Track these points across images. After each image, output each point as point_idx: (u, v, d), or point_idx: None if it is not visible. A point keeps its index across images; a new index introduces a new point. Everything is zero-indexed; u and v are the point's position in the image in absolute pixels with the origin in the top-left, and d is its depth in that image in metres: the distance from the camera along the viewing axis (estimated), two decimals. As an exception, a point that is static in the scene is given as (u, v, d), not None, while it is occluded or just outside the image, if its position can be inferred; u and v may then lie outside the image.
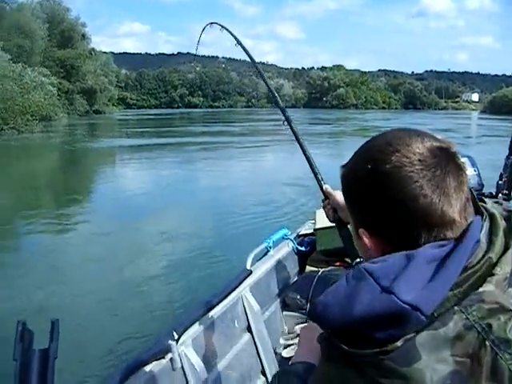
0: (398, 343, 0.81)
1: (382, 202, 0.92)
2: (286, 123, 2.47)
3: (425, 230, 0.89)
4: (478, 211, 0.97)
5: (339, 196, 2.01)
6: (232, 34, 2.77)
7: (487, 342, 0.81)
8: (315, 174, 2.29)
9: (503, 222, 0.95)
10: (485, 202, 1.02)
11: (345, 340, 0.84)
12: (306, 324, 1.44)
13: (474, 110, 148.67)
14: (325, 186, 2.18)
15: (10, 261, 8.78)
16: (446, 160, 0.91)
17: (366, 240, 0.96)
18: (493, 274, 0.87)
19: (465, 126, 58.24)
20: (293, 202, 12.43)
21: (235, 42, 2.74)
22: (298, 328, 3.50)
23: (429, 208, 0.88)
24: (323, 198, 2.17)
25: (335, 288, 0.87)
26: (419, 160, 0.90)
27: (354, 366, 0.83)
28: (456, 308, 0.83)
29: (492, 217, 0.95)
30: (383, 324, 0.81)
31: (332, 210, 2.06)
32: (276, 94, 2.55)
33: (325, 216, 4.24)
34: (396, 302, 0.79)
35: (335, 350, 0.85)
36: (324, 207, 2.14)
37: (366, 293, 0.82)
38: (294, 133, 2.45)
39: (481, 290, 0.85)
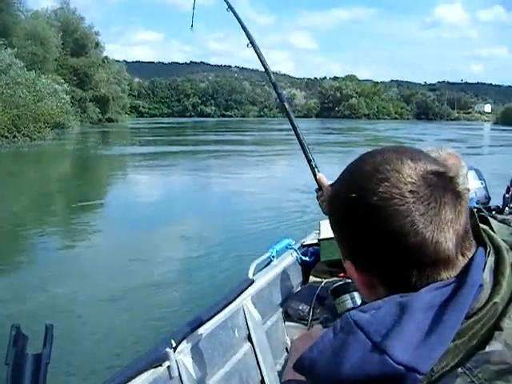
0: None
1: (369, 236, 0.82)
2: (277, 100, 2.37)
3: (416, 269, 0.80)
4: (480, 242, 0.86)
5: None
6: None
7: None
8: (309, 161, 2.17)
9: (511, 254, 0.85)
10: (489, 222, 0.93)
11: None
12: (298, 336, 1.39)
13: (486, 121, 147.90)
14: (319, 175, 2.07)
15: (21, 265, 8.88)
16: (442, 189, 0.81)
17: (354, 274, 0.88)
18: (501, 329, 0.77)
19: (476, 137, 57.95)
20: (301, 211, 12.40)
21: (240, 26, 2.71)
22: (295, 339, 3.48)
23: (420, 246, 0.78)
24: (317, 187, 2.07)
25: (322, 341, 0.78)
26: (411, 191, 0.79)
27: None
28: (460, 370, 0.74)
29: (498, 250, 0.85)
30: None
31: (325, 203, 1.96)
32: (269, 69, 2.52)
33: (329, 226, 4.23)
34: (389, 363, 0.71)
35: None
36: (317, 198, 2.04)
37: (356, 350, 0.73)
38: (287, 111, 2.36)
39: (487, 349, 0.75)
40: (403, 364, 0.70)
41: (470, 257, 0.82)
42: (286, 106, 2.39)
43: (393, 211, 0.78)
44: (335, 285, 1.96)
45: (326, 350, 0.76)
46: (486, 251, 0.83)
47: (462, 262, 0.81)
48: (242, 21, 2.67)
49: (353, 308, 1.72)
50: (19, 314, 6.36)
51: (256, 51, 2.56)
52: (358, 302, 1.88)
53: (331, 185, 0.98)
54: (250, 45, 2.58)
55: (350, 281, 1.89)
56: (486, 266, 0.81)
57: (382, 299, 0.79)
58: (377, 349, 0.72)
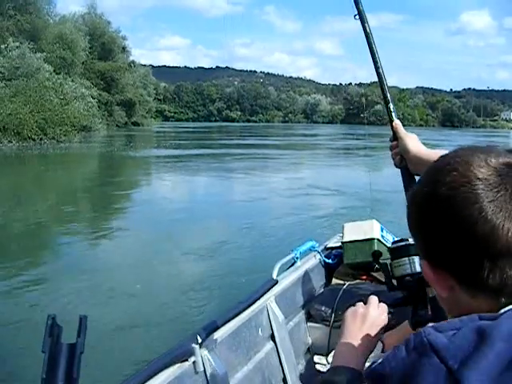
0: None
1: (439, 228, 0.82)
2: (357, 17, 2.00)
3: (488, 259, 0.77)
4: None
5: (410, 141, 1.74)
6: None
7: None
8: (386, 104, 1.93)
9: None
10: None
11: None
12: (353, 307, 1.30)
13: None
14: (395, 122, 1.84)
15: (46, 264, 9.04)
16: None
17: (429, 273, 0.87)
18: None
19: (503, 145, 57.37)
20: (324, 214, 12.41)
21: None
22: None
23: (491, 234, 0.76)
24: (391, 136, 1.85)
25: (394, 357, 0.77)
26: (479, 178, 0.79)
27: None
28: None
29: None
30: None
31: (399, 156, 1.76)
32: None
33: (353, 229, 4.23)
34: None
35: None
36: (390, 149, 1.83)
37: (429, 373, 0.71)
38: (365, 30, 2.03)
39: None
40: None
41: None
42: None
43: (461, 199, 0.79)
44: (396, 244, 1.74)
45: (397, 367, 0.75)
46: None
47: None
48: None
49: (410, 274, 1.65)
50: (50, 306, 6.59)
51: (363, 24, 2.06)
52: (417, 268, 1.64)
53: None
54: (357, 16, 2.06)
55: (411, 242, 1.67)
56: None
57: (459, 318, 0.77)
58: (452, 376, 0.69)
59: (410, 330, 1.57)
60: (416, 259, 1.66)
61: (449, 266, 0.83)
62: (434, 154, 1.34)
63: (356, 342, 1.23)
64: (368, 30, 2.06)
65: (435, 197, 0.82)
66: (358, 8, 2.06)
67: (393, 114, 1.87)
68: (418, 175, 1.10)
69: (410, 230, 0.93)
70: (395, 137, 1.81)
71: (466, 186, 0.79)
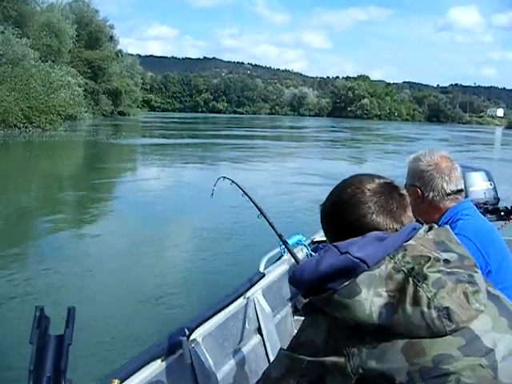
0: (346, 283, 1.07)
1: (342, 222, 1.25)
2: None
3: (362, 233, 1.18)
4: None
5: None
6: (240, 188, 3.35)
7: (410, 279, 1.06)
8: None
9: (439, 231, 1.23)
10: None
11: (314, 295, 1.11)
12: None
13: (498, 125, 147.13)
14: None
15: (32, 253, 9.02)
16: (389, 190, 1.25)
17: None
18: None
19: (488, 140, 57.79)
20: (312, 207, 12.36)
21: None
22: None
23: (376, 222, 1.21)
24: None
25: (309, 259, 1.19)
26: (368, 189, 1.23)
27: (319, 309, 1.11)
28: (386, 257, 1.09)
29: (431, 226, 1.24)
30: (339, 275, 1.08)
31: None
32: None
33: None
34: (350, 258, 1.08)
35: (309, 305, 1.15)
36: None
37: (329, 257, 1.11)
38: None
39: (404, 244, 1.13)
40: (359, 257, 1.08)
41: None
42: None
43: (357, 201, 1.23)
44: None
45: (311, 262, 1.13)
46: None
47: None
48: None
49: None
50: (35, 295, 6.60)
51: None
52: None
53: (321, 205, 1.36)
54: None
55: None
56: (423, 227, 1.21)
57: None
58: (342, 253, 1.09)
59: None
60: None
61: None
62: None
63: None
64: None
65: (340, 201, 1.26)
66: None
67: None
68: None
69: (325, 233, 1.36)
70: None
71: (360, 194, 1.23)
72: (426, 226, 1.22)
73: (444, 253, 1.13)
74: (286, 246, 3.23)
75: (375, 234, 1.15)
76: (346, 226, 1.23)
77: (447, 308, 1.04)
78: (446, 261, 1.11)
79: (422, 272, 1.07)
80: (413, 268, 1.08)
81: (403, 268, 1.08)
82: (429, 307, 1.04)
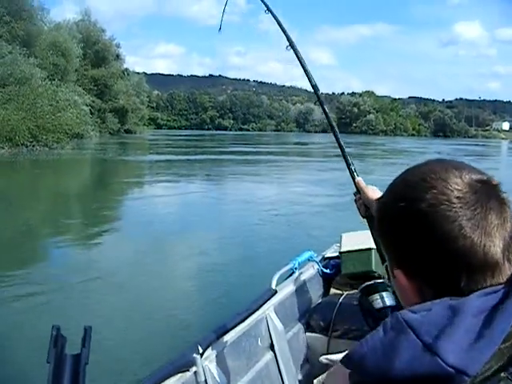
0: None
1: (419, 242, 0.85)
2: (317, 103, 2.47)
3: (465, 273, 0.82)
4: None
5: (371, 192, 2.04)
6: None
7: None
8: (348, 166, 2.30)
9: None
10: None
11: None
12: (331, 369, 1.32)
13: (504, 138, 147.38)
14: (357, 179, 2.18)
15: (40, 272, 8.93)
16: (487, 195, 0.84)
17: (403, 281, 0.89)
18: None
19: (495, 154, 57.79)
20: (321, 224, 12.37)
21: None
22: (323, 358, 3.44)
23: (469, 250, 0.81)
24: (355, 191, 2.17)
25: (372, 338, 0.80)
26: (457, 197, 0.83)
27: None
28: (502, 375, 0.75)
29: None
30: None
31: (363, 206, 2.07)
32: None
33: (350, 239, 4.23)
34: (440, 364, 0.72)
35: None
36: (356, 201, 2.15)
37: (407, 349, 0.75)
38: (327, 116, 2.56)
39: None
40: (454, 366, 0.72)
41: None
42: (326, 110, 2.67)
43: (441, 216, 0.82)
44: (365, 284, 2.01)
45: (376, 348, 0.77)
46: None
47: (508, 268, 0.82)
48: (281, 22, 2.63)
49: (382, 308, 1.93)
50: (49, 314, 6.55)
51: (296, 54, 2.57)
52: (387, 302, 1.93)
53: (379, 198, 1.02)
54: (290, 47, 2.58)
55: (380, 281, 2.02)
56: None
57: (431, 301, 0.80)
58: (428, 350, 0.73)
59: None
60: (384, 294, 1.96)
61: (425, 277, 0.86)
62: None
63: None
64: (302, 62, 2.56)
65: (414, 213, 0.85)
66: (289, 41, 2.54)
67: (354, 174, 2.22)
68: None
69: (381, 239, 0.96)
70: (358, 191, 2.13)
71: (445, 205, 0.82)
72: None
73: None
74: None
75: (475, 306, 0.77)
76: (422, 252, 0.85)
77: None
78: None
79: None
80: None
81: None
82: None
